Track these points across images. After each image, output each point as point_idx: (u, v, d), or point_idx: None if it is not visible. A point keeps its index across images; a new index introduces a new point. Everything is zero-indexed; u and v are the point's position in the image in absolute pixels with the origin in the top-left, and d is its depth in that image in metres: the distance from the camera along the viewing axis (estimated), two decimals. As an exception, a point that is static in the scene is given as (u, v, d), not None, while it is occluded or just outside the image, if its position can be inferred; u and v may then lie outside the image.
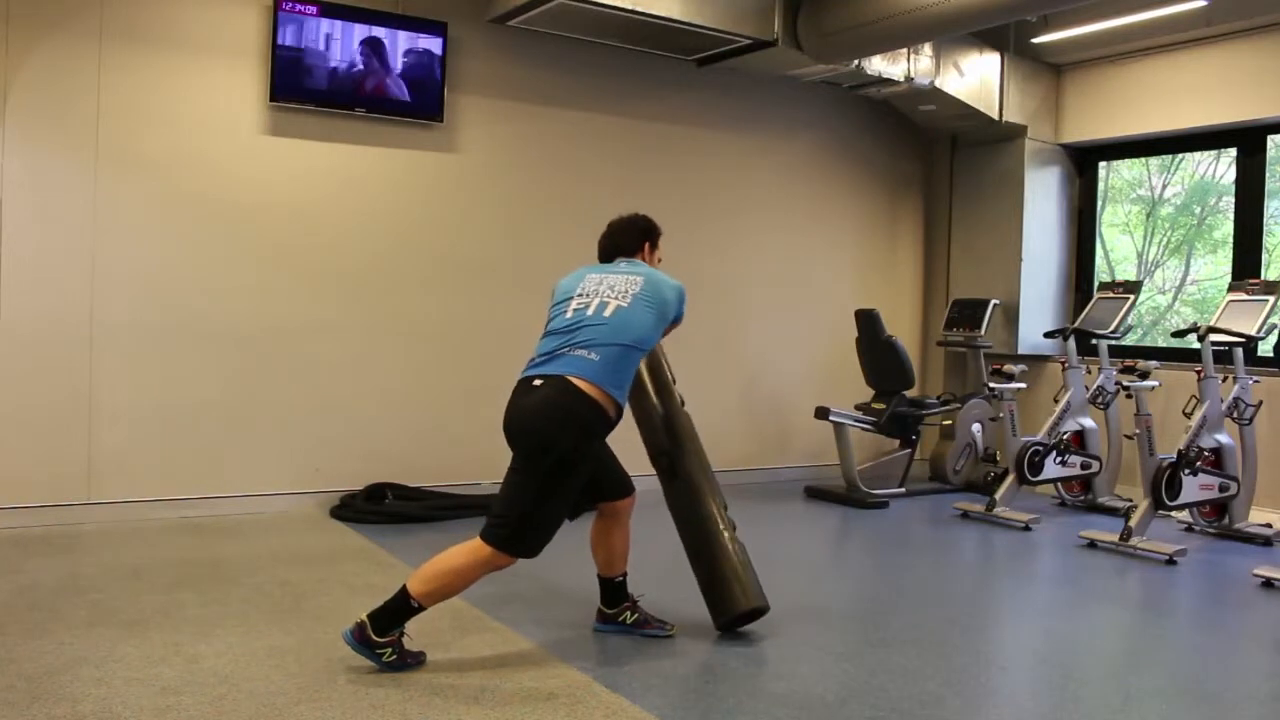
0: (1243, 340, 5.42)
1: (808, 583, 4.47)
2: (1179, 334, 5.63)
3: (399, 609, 3.05)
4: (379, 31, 5.38)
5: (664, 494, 3.64)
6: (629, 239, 3.52)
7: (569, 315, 3.24)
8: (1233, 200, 6.36)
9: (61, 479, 4.84)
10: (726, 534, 3.54)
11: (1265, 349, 5.92)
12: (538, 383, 3.12)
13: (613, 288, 3.28)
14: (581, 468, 3.14)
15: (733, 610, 3.50)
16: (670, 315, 3.34)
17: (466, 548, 3.09)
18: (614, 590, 3.54)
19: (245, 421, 5.24)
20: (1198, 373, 5.49)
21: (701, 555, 3.54)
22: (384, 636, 3.04)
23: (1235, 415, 5.47)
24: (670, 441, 3.60)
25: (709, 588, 3.54)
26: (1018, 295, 6.90)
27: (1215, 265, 7.11)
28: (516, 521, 3.07)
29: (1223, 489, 5.37)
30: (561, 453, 3.05)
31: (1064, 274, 7.14)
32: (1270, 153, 6.18)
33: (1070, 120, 6.94)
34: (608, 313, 3.20)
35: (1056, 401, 6.15)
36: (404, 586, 3.07)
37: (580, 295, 3.28)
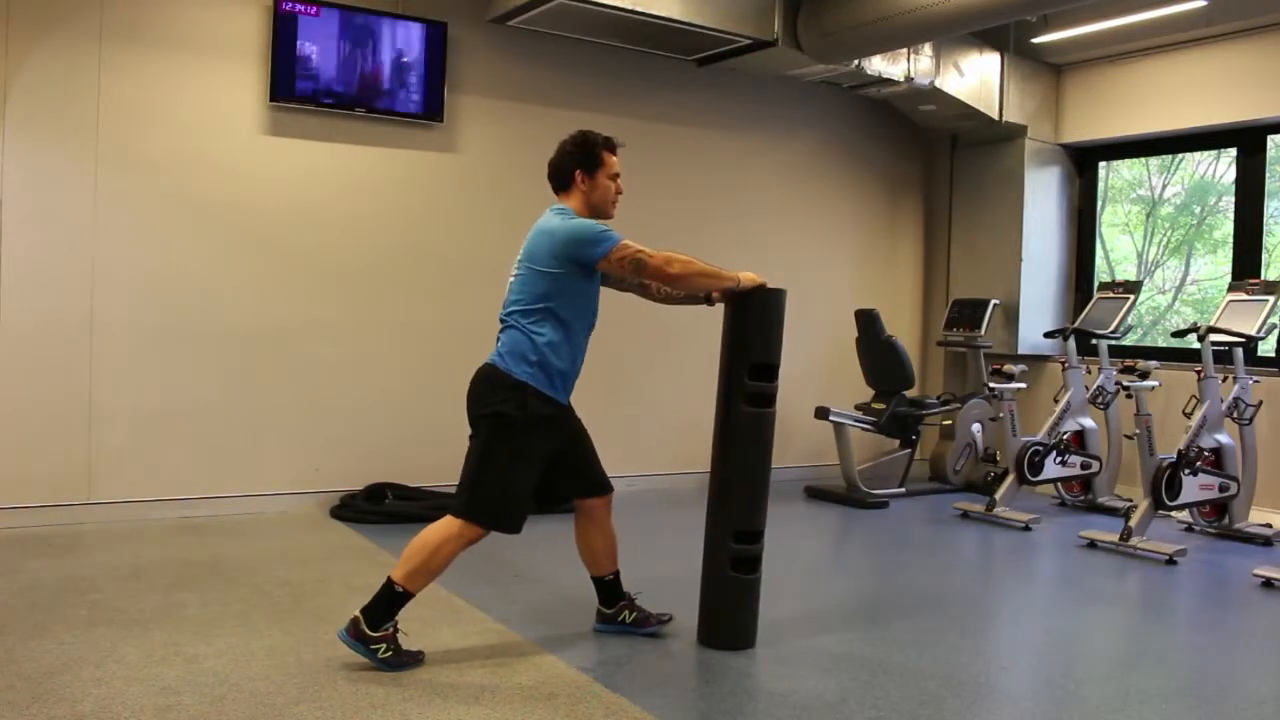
0: (1243, 340, 5.42)
1: (808, 582, 4.47)
2: (1179, 334, 5.63)
3: (388, 598, 3.08)
4: (379, 31, 5.38)
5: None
6: (557, 171, 3.33)
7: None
8: (1233, 200, 6.36)
9: (61, 479, 4.84)
10: (728, 568, 3.36)
11: (1267, 349, 5.92)
12: None
13: (518, 257, 3.27)
14: (525, 433, 3.13)
15: (706, 636, 3.45)
16: (557, 267, 3.12)
17: (438, 523, 3.16)
18: (607, 589, 3.54)
19: (245, 421, 5.24)
20: (1198, 373, 5.49)
21: (705, 570, 3.48)
22: (377, 630, 3.05)
23: (1235, 415, 5.47)
24: (720, 440, 3.40)
25: (702, 602, 3.49)
26: (1018, 295, 6.90)
27: (1215, 265, 7.10)
28: (469, 487, 3.15)
29: (1223, 489, 5.37)
30: (492, 416, 3.13)
31: (1064, 274, 7.14)
32: (1270, 153, 6.18)
33: (1070, 120, 6.94)
34: (508, 291, 3.27)
35: (1056, 401, 6.15)
36: (388, 577, 3.11)
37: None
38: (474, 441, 3.21)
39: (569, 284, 3.16)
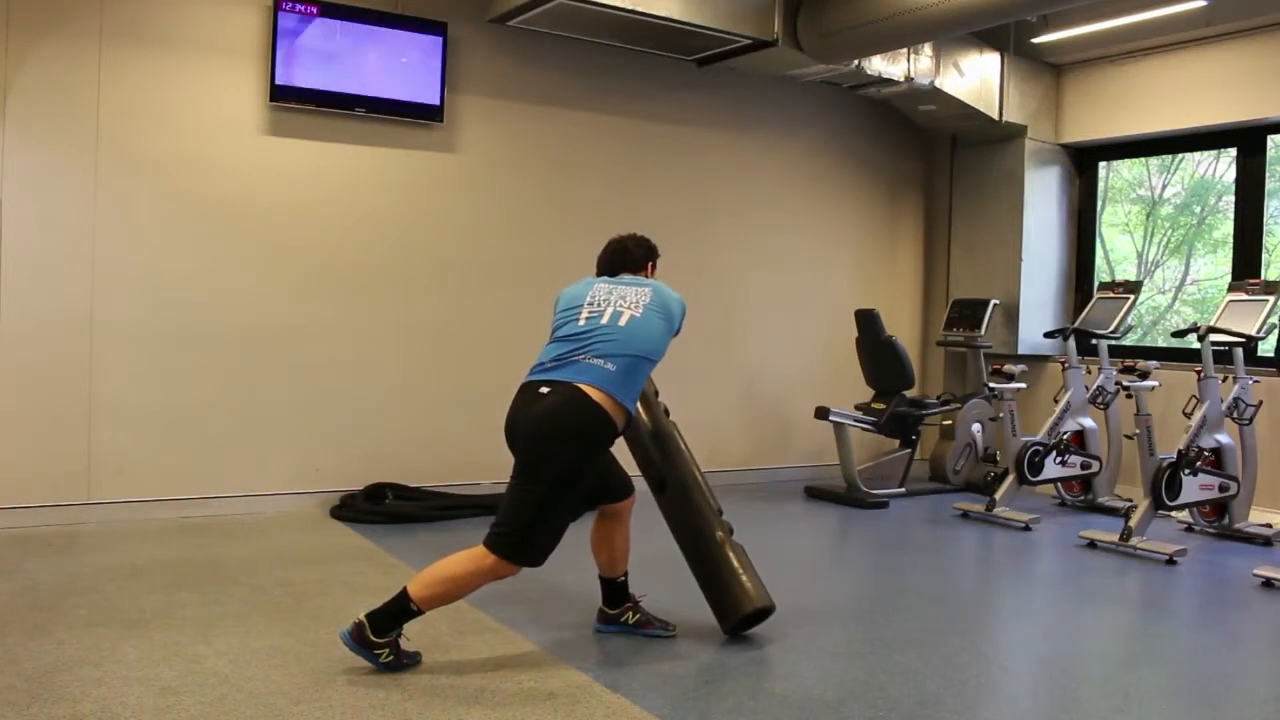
0: (1243, 340, 5.42)
1: (808, 583, 4.46)
2: (1179, 334, 5.63)
3: (398, 612, 3.04)
4: (379, 31, 5.38)
5: (657, 505, 3.63)
6: (636, 258, 3.53)
7: (581, 322, 3.21)
8: (1233, 200, 6.35)
9: (61, 479, 4.84)
10: (722, 537, 3.53)
11: (1267, 349, 5.92)
12: (545, 390, 3.10)
13: (624, 298, 3.27)
14: (588, 475, 3.14)
15: (737, 614, 3.48)
16: (675, 327, 3.34)
17: (470, 555, 3.07)
18: (616, 590, 3.54)
19: (245, 421, 5.24)
20: (1198, 373, 5.49)
21: (700, 562, 3.54)
22: (382, 638, 3.04)
23: (1235, 415, 5.47)
24: (659, 454, 3.60)
25: (711, 593, 3.53)
26: (1018, 295, 6.90)
27: (1215, 265, 7.11)
28: (521, 531, 3.05)
29: (1223, 489, 5.37)
30: (567, 463, 3.05)
31: (1064, 274, 7.14)
32: (1270, 153, 6.17)
33: (1070, 120, 6.94)
34: (622, 321, 3.19)
35: (1056, 401, 6.15)
36: (404, 589, 3.05)
37: (590, 304, 3.26)
38: (535, 481, 3.06)
39: None
